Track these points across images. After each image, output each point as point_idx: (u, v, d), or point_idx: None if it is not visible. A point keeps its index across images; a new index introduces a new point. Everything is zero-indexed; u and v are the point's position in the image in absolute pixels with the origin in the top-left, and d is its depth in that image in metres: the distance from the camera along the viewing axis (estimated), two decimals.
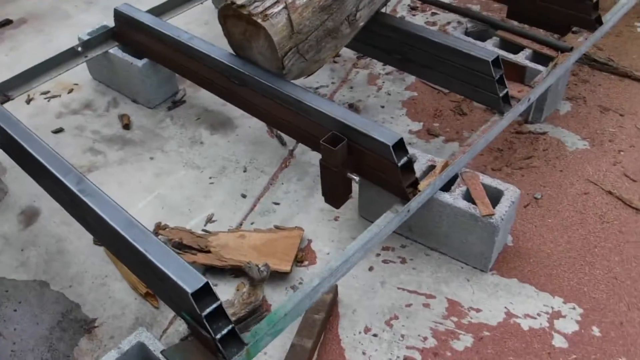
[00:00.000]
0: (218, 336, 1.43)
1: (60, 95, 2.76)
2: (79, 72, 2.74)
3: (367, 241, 1.69)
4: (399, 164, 1.76)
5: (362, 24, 2.15)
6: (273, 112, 2.07)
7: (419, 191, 1.80)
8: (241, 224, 2.12)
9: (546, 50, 2.40)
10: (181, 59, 2.31)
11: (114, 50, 2.58)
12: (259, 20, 1.90)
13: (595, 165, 2.23)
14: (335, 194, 1.95)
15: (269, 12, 1.90)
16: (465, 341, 1.74)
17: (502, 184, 1.89)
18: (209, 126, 2.54)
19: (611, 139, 2.33)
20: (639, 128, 2.36)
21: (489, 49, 2.28)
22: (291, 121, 2.01)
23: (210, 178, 2.30)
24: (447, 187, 1.90)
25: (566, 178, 2.19)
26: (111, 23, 2.62)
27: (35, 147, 1.86)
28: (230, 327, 1.46)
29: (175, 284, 1.44)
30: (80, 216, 1.79)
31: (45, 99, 2.75)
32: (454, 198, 1.85)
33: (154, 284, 1.61)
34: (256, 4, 1.92)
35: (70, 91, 2.79)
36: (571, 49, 2.35)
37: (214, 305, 1.44)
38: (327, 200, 2.01)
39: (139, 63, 2.50)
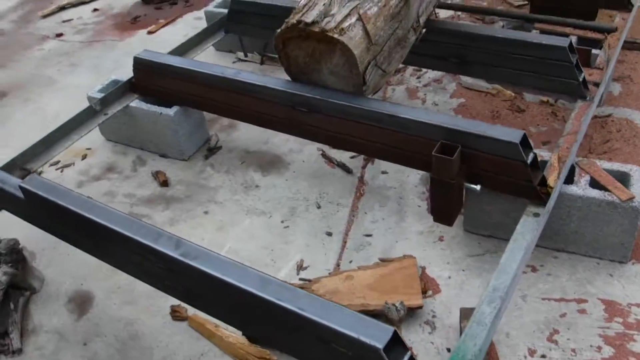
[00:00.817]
0: None
1: (73, 164, 2.43)
2: (89, 135, 2.42)
3: (525, 252, 1.50)
4: (528, 162, 1.60)
5: (423, 30, 2.02)
6: (355, 135, 1.86)
7: (551, 188, 1.64)
8: (338, 265, 1.87)
9: (590, 34, 2.35)
10: (226, 98, 2.07)
11: (136, 103, 2.30)
12: (336, 36, 1.71)
13: None
14: (448, 209, 1.76)
15: (343, 25, 1.73)
16: None
17: (623, 165, 1.77)
18: (259, 168, 2.29)
19: None
20: None
21: (557, 37, 2.19)
22: (381, 141, 1.81)
23: (282, 222, 2.04)
24: (567, 181, 1.75)
25: None
26: (115, 77, 2.38)
27: (105, 216, 1.55)
28: None
29: (353, 341, 1.18)
30: (182, 286, 1.48)
31: (57, 169, 2.40)
32: (583, 189, 1.70)
33: (308, 350, 1.32)
34: (327, 19, 1.74)
35: (84, 157, 2.46)
36: (616, 29, 2.32)
37: (406, 358, 1.20)
38: (437, 219, 1.81)
39: (170, 112, 2.24)
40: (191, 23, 3.39)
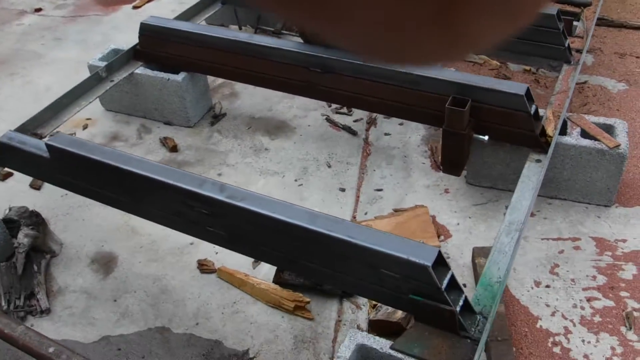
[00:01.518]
0: (458, 308, 1.33)
1: (74, 134, 2.43)
2: (88, 106, 2.43)
3: (533, 192, 1.67)
4: (532, 113, 1.77)
5: None
6: (368, 94, 1.98)
7: (550, 137, 1.83)
8: (354, 217, 2.00)
9: (568, 8, 2.57)
10: (238, 62, 2.15)
11: (141, 70, 2.33)
12: None
13: None
14: (457, 161, 1.91)
15: None
16: (629, 270, 1.77)
17: (608, 119, 1.97)
18: (266, 132, 2.38)
19: None
20: None
21: None
22: (394, 98, 1.95)
23: (296, 181, 2.14)
24: (561, 133, 1.94)
25: (626, 115, 2.35)
26: (115, 46, 2.42)
27: (145, 167, 1.60)
28: (464, 297, 1.36)
29: (402, 262, 1.31)
30: (226, 230, 1.56)
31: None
32: (576, 139, 1.90)
33: (357, 278, 1.43)
34: None
35: (85, 127, 2.47)
36: (590, 4, 2.54)
37: (449, 276, 1.34)
38: (446, 170, 1.97)
39: (178, 77, 2.29)
40: None
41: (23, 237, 1.90)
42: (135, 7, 3.28)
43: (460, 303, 1.34)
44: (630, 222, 1.92)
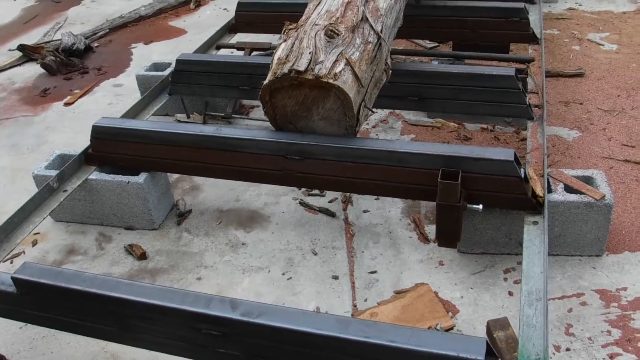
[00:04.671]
0: None
1: (23, 252, 2.16)
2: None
3: (541, 256, 1.64)
4: (522, 177, 1.78)
5: (390, 71, 2.16)
6: (352, 176, 1.91)
7: (541, 197, 1.83)
8: (355, 305, 1.88)
9: (514, 65, 2.68)
10: (207, 157, 2.01)
11: (96, 175, 2.14)
12: (331, 81, 1.78)
13: (598, 145, 2.52)
14: (453, 233, 1.86)
15: (335, 70, 1.80)
16: (639, 319, 1.77)
17: (586, 170, 2.02)
18: (239, 225, 2.23)
19: (591, 123, 2.67)
20: (600, 108, 2.76)
21: (503, 67, 2.45)
22: (380, 178, 1.88)
23: (283, 274, 2.00)
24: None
25: (588, 161, 2.43)
26: (60, 152, 2.24)
27: (140, 292, 1.42)
28: None
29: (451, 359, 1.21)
30: (242, 350, 1.39)
31: (4, 262, 2.11)
32: (562, 195, 1.92)
33: None
34: (318, 66, 1.81)
35: (35, 243, 2.20)
36: (534, 59, 2.67)
37: None
38: (442, 244, 1.91)
39: (139, 179, 2.11)
40: (112, 90, 3.23)
41: None
42: (67, 104, 3.07)
43: None
44: (624, 268, 1.94)
